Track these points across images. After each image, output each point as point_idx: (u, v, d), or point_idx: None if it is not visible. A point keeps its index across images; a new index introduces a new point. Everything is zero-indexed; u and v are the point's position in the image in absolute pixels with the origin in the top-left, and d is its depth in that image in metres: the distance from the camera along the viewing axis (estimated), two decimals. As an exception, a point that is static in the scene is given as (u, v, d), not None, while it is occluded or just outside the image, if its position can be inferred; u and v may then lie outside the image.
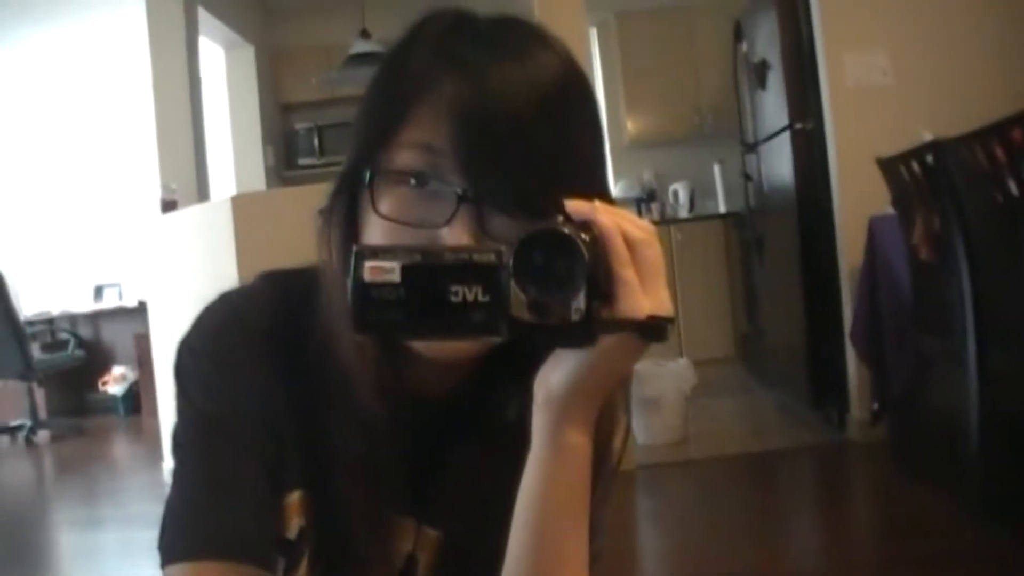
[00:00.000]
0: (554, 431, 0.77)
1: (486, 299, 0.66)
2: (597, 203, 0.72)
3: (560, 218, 0.71)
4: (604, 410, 0.82)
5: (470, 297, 0.66)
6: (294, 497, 0.87)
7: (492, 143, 0.77)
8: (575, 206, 0.72)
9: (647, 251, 0.72)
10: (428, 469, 0.90)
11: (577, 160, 0.82)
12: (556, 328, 0.69)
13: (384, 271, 0.66)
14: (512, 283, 0.66)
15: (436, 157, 0.79)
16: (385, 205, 0.81)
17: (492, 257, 0.66)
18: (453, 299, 0.66)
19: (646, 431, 4.59)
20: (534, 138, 0.78)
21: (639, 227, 0.73)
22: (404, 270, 0.66)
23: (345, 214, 0.86)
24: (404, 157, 0.81)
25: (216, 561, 0.80)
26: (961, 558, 2.90)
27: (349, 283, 0.67)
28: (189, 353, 0.88)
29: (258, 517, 0.83)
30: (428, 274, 0.66)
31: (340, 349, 0.84)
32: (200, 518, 0.82)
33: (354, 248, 0.67)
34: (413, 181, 0.79)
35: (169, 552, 0.82)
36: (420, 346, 0.81)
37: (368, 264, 0.66)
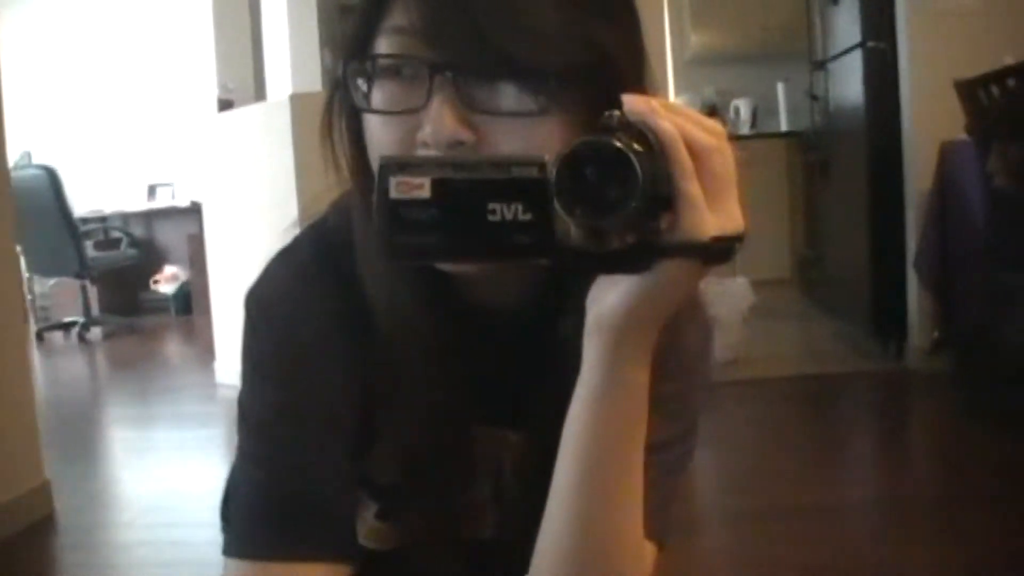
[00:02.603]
0: (607, 360, 0.69)
1: (527, 218, 0.58)
2: (656, 103, 0.62)
3: (610, 117, 0.62)
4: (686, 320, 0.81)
5: (509, 216, 0.58)
6: (384, 448, 0.85)
7: (459, 7, 0.69)
8: (631, 104, 0.62)
9: (715, 160, 0.63)
10: (503, 379, 0.85)
11: (561, 14, 0.71)
12: (606, 253, 0.62)
13: (412, 186, 0.59)
14: (556, 203, 0.58)
15: (409, 38, 0.72)
16: (374, 103, 0.75)
17: (534, 170, 0.58)
18: (491, 218, 0.58)
19: (701, 349, 4.52)
20: None
21: (706, 129, 0.63)
22: (435, 185, 0.58)
23: (348, 126, 0.81)
24: (380, 46, 0.74)
25: (282, 563, 0.79)
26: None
27: (375, 200, 0.60)
28: (260, 315, 0.84)
29: (331, 508, 0.81)
30: (461, 189, 0.59)
31: (372, 277, 0.80)
32: (269, 515, 0.80)
33: (380, 160, 0.60)
34: (383, 65, 0.73)
35: (234, 546, 0.81)
36: (457, 269, 0.76)
37: (395, 180, 0.59)
